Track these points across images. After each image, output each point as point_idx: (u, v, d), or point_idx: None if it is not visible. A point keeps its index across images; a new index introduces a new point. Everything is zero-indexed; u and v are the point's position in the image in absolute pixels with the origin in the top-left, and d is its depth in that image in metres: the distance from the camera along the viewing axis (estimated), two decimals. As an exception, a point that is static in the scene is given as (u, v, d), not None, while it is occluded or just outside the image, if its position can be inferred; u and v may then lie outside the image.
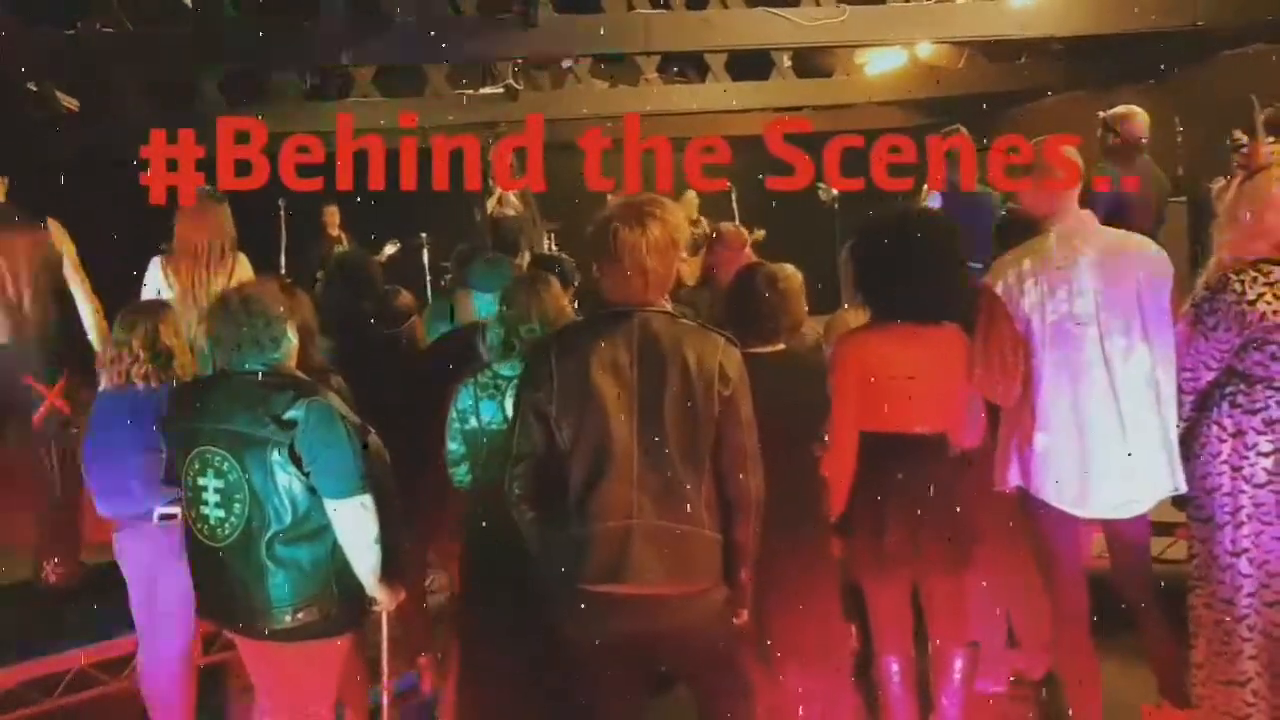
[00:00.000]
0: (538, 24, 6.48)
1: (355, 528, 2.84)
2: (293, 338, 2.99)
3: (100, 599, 4.01)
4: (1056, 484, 3.19)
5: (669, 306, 2.71)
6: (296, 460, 2.77)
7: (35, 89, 8.48)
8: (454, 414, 3.16)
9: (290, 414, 2.77)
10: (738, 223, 9.28)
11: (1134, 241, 3.27)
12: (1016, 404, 3.23)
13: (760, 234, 9.22)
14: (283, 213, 7.91)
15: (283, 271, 7.55)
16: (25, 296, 4.37)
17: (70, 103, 9.09)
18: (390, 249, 9.02)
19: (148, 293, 4.52)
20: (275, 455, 2.77)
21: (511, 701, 3.06)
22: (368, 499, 2.84)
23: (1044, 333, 3.16)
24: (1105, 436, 3.14)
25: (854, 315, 3.49)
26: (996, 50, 9.17)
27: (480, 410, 3.10)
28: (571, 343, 2.62)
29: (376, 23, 6.64)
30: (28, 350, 4.41)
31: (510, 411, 2.94)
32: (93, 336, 4.58)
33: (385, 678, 3.21)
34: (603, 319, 2.65)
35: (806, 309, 3.62)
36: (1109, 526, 3.33)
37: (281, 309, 2.95)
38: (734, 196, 9.18)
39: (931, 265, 3.08)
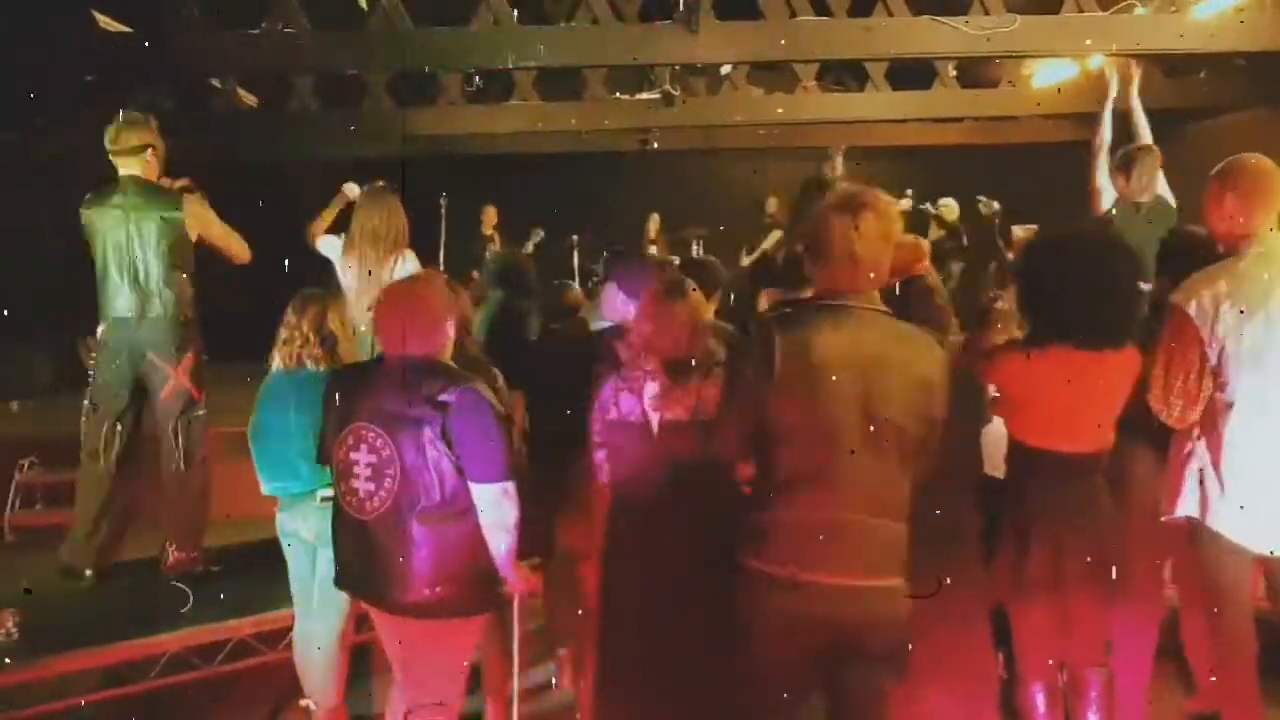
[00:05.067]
0: (698, 30, 6.49)
1: (496, 511, 2.95)
2: (451, 331, 3.11)
3: (261, 572, 4.21)
4: (1240, 518, 3.04)
5: (880, 303, 2.70)
6: (448, 441, 2.89)
7: (219, 86, 8.98)
8: (595, 406, 3.24)
9: (443, 397, 2.89)
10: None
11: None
12: (1197, 431, 3.09)
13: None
14: (443, 210, 8.15)
15: (441, 267, 7.76)
16: (153, 273, 4.41)
17: (249, 99, 9.58)
18: (535, 239, 9.23)
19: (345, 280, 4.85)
20: (428, 433, 2.89)
21: (651, 701, 3.07)
22: (511, 486, 2.96)
23: (1238, 360, 3.02)
24: None
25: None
26: (1174, 64, 8.76)
27: (620, 403, 3.15)
28: (794, 329, 2.62)
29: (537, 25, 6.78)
30: (155, 327, 4.45)
31: (649, 406, 3.07)
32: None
33: (516, 667, 3.26)
34: (822, 309, 2.65)
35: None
36: (1274, 565, 3.14)
37: (445, 303, 3.09)
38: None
39: (1100, 287, 2.97)
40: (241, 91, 9.52)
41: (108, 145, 4.45)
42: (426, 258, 7.67)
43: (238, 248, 4.64)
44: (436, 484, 2.91)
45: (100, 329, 4.51)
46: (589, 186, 10.70)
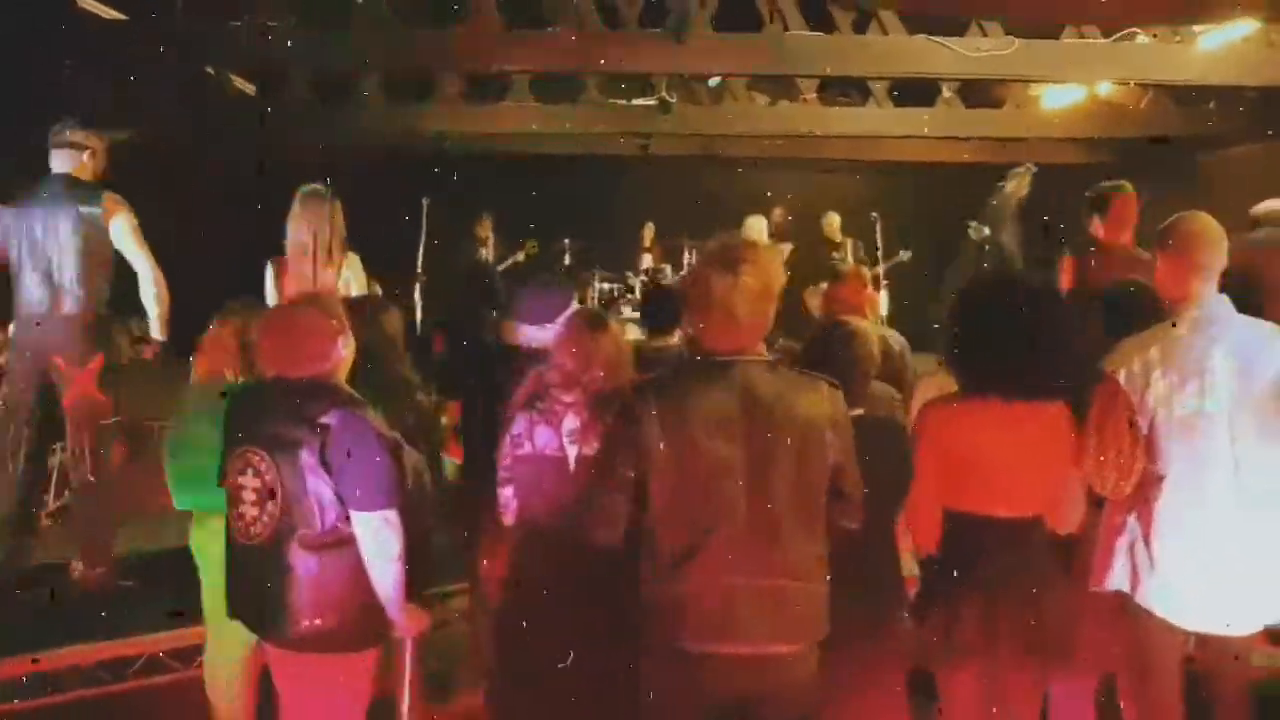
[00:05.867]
0: (685, 41, 6.37)
1: (377, 542, 2.82)
2: (345, 351, 2.99)
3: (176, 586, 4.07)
4: (1167, 593, 2.90)
5: (766, 354, 2.60)
6: (327, 467, 2.79)
7: (213, 73, 8.90)
8: (506, 439, 3.11)
9: (324, 419, 2.79)
10: (880, 252, 9.00)
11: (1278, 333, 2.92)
12: (1126, 501, 2.94)
13: (906, 255, 8.85)
14: (424, 211, 8.03)
15: (419, 270, 7.65)
16: (66, 268, 4.30)
17: (246, 87, 9.50)
18: (527, 250, 9.10)
19: (270, 294, 4.61)
20: (305, 457, 2.78)
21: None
22: (392, 515, 2.83)
23: (1169, 429, 2.86)
24: (1227, 546, 2.83)
25: (945, 380, 3.24)
26: (1183, 93, 8.56)
27: (534, 437, 3.02)
28: (672, 392, 2.52)
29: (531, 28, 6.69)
30: (64, 326, 4.33)
31: (566, 440, 2.97)
32: (152, 311, 4.52)
33: (405, 707, 3.13)
34: (703, 368, 2.55)
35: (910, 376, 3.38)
36: (1216, 640, 2.98)
37: (332, 324, 2.95)
38: (878, 225, 8.85)
39: (1032, 337, 2.81)
40: (237, 80, 9.45)
41: (50, 138, 4.37)
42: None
43: (151, 270, 4.51)
44: (316, 511, 2.81)
45: (11, 326, 4.43)
46: (585, 192, 10.57)
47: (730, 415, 2.45)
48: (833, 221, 9.38)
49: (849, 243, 9.25)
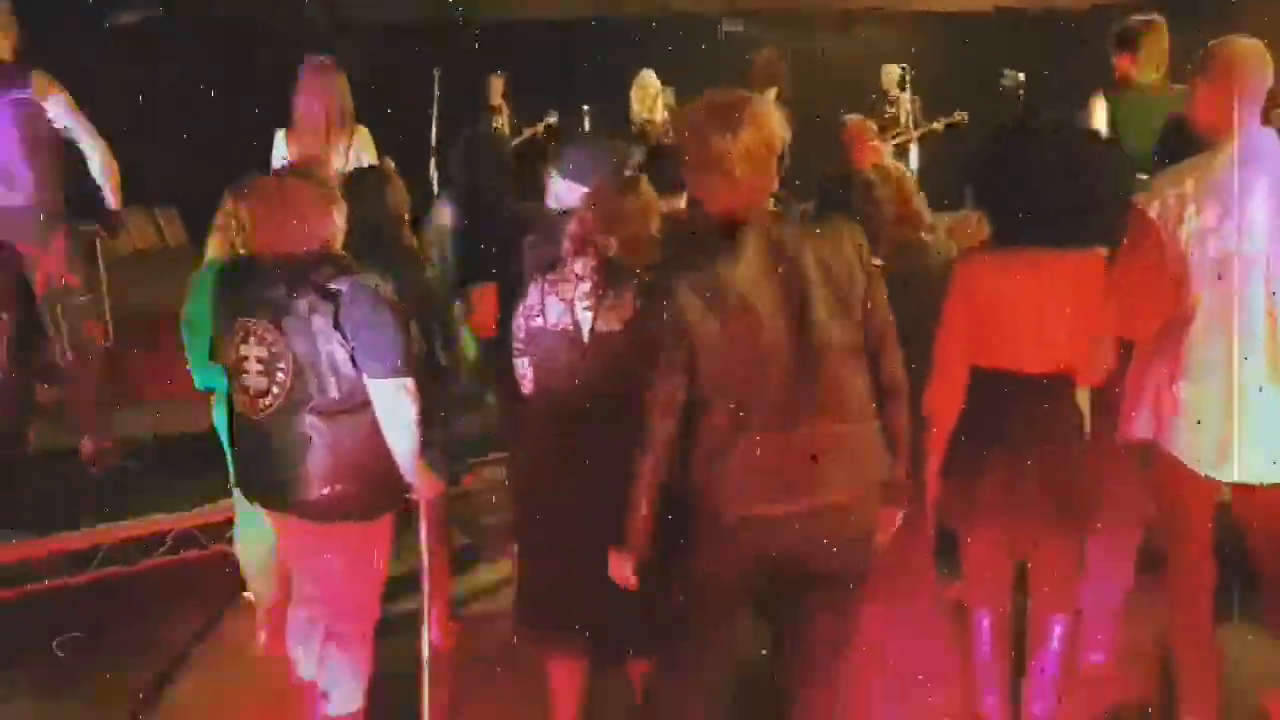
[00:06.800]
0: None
1: (395, 408, 2.79)
2: (340, 222, 2.89)
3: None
4: (1196, 440, 2.79)
5: (769, 205, 2.51)
6: (341, 332, 2.73)
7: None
8: (519, 309, 3.01)
9: (333, 285, 2.73)
10: (910, 106, 8.63)
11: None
12: (1156, 345, 2.83)
13: (961, 117, 8.48)
14: (436, 81, 7.76)
15: (434, 143, 7.44)
16: (12, 163, 4.18)
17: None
18: (548, 120, 8.81)
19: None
20: (318, 322, 2.72)
21: (571, 614, 2.94)
22: (409, 381, 2.79)
23: (1202, 269, 2.72)
24: (1255, 395, 2.71)
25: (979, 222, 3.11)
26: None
27: (546, 309, 2.93)
28: (697, 264, 2.41)
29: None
30: (17, 216, 4.23)
31: (580, 315, 2.85)
32: (98, 171, 4.38)
33: (426, 577, 3.13)
34: (720, 234, 2.44)
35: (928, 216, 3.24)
36: (1248, 491, 2.87)
37: (319, 197, 2.84)
38: (907, 79, 8.47)
39: (1063, 183, 2.67)
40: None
41: None
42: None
43: (94, 142, 4.34)
44: (332, 378, 2.76)
45: None
46: (603, 57, 10.19)
47: (760, 274, 2.36)
48: (891, 73, 8.97)
49: (903, 98, 8.84)
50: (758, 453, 2.37)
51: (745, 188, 2.38)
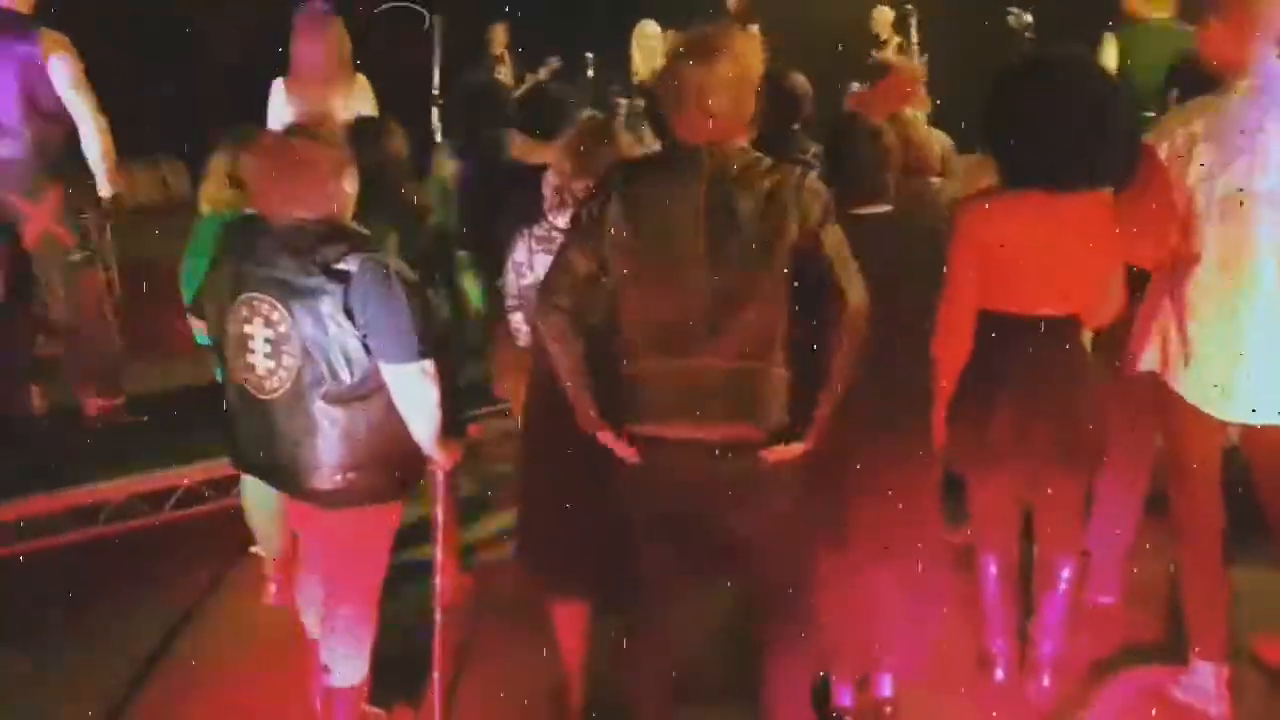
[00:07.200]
0: None
1: (415, 394, 2.64)
2: (350, 188, 2.71)
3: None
4: (1200, 378, 2.78)
5: (745, 144, 2.50)
6: (350, 316, 2.56)
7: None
8: (509, 265, 2.97)
9: (342, 265, 2.54)
10: (905, 50, 8.48)
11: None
12: (1162, 282, 2.80)
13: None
14: (436, 30, 7.65)
15: (435, 92, 7.37)
16: (7, 116, 4.10)
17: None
18: (550, 66, 8.70)
19: (272, 120, 4.42)
20: (327, 305, 2.55)
21: (570, 561, 2.95)
22: (429, 364, 2.63)
23: (1210, 209, 2.68)
24: (1266, 330, 2.69)
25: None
26: None
27: (534, 265, 2.89)
28: (635, 179, 2.47)
29: None
30: (9, 168, 4.14)
31: None
32: (94, 156, 4.27)
33: (439, 541, 3.11)
34: (669, 154, 2.52)
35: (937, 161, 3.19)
36: (1253, 431, 2.86)
37: (330, 158, 2.65)
38: (913, 20, 8.33)
39: (1071, 122, 2.61)
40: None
41: None
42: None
43: (92, 118, 4.23)
44: (343, 362, 2.59)
45: None
46: (606, 4, 10.03)
47: (691, 199, 2.37)
48: (883, 16, 8.82)
49: (895, 43, 8.69)
50: (660, 372, 2.43)
51: (718, 121, 2.39)
